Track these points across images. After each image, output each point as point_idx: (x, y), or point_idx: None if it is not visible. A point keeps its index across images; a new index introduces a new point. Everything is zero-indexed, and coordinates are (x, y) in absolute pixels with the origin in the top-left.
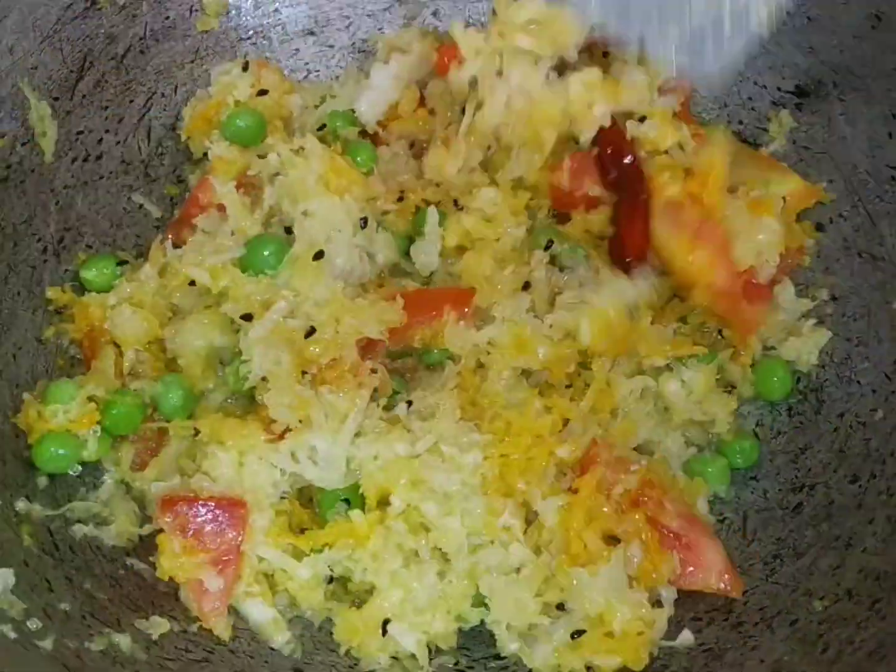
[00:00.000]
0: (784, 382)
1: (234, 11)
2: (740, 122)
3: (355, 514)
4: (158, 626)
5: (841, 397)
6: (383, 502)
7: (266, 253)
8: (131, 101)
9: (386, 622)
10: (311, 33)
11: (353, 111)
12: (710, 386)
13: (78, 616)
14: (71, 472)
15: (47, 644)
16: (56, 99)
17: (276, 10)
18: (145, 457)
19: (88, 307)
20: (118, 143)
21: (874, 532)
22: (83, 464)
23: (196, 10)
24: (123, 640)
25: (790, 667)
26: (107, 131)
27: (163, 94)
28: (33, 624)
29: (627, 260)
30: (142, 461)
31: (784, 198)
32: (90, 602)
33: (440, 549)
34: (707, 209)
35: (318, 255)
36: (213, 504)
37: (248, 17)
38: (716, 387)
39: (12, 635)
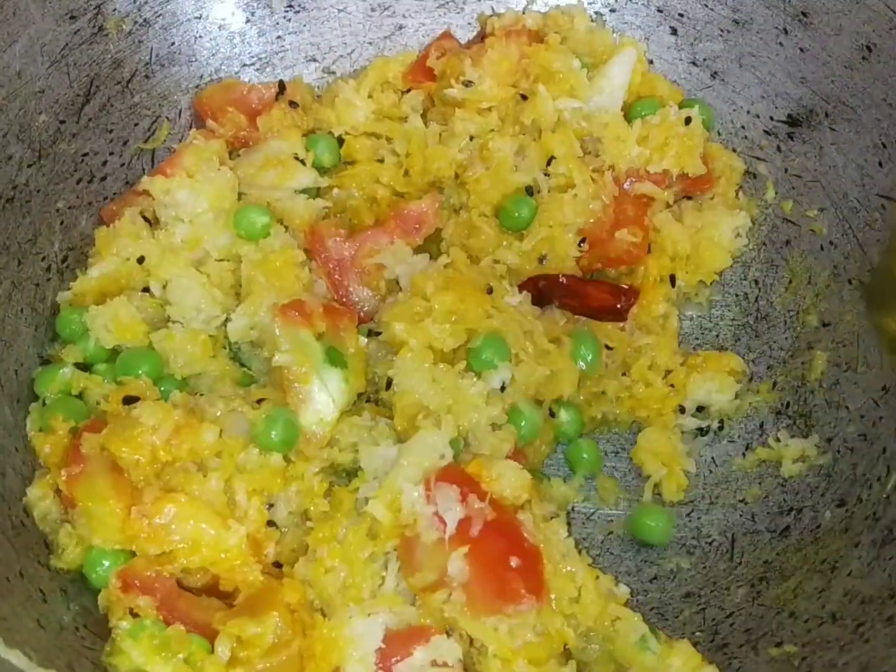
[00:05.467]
0: None
1: (238, 38)
2: (733, 150)
3: None
4: None
5: (829, 422)
6: None
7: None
8: (136, 125)
9: None
10: (314, 60)
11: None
12: None
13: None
14: None
15: None
16: (63, 122)
17: (280, 37)
18: None
19: None
20: (122, 165)
21: (859, 556)
22: None
23: (200, 37)
24: None
25: None
26: (111, 153)
27: (167, 118)
28: None
29: None
30: None
31: None
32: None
33: None
34: None
35: None
36: None
37: (253, 44)
38: None
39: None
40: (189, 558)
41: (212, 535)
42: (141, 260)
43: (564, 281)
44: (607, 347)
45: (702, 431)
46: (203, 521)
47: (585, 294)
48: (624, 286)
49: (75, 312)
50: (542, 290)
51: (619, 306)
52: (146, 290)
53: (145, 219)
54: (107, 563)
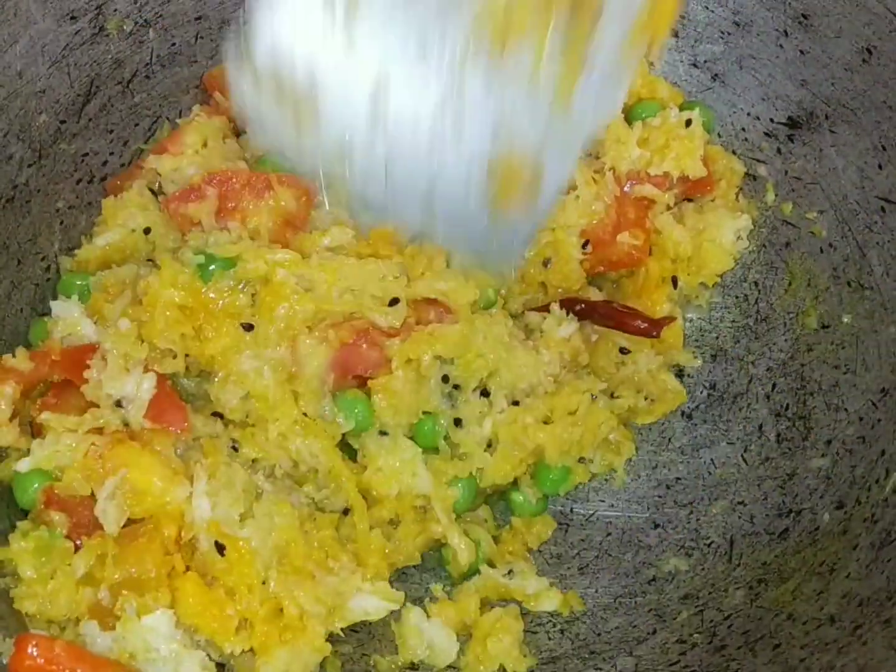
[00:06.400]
0: None
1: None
2: (733, 152)
3: None
4: None
5: (828, 424)
6: None
7: None
8: (136, 125)
9: None
10: None
11: None
12: None
13: None
14: None
15: None
16: (63, 122)
17: None
18: None
19: None
20: (122, 165)
21: (858, 558)
22: None
23: (200, 38)
24: None
25: None
26: (111, 154)
27: (167, 119)
28: None
29: None
30: None
31: None
32: None
33: None
34: None
35: None
36: None
37: None
38: None
39: None
40: (131, 504)
41: (158, 487)
42: (147, 231)
43: (603, 311)
44: (624, 351)
45: None
46: (154, 474)
47: (623, 322)
48: (660, 318)
49: (79, 277)
50: (579, 312)
51: (654, 334)
52: (150, 261)
53: (151, 191)
54: (36, 485)
